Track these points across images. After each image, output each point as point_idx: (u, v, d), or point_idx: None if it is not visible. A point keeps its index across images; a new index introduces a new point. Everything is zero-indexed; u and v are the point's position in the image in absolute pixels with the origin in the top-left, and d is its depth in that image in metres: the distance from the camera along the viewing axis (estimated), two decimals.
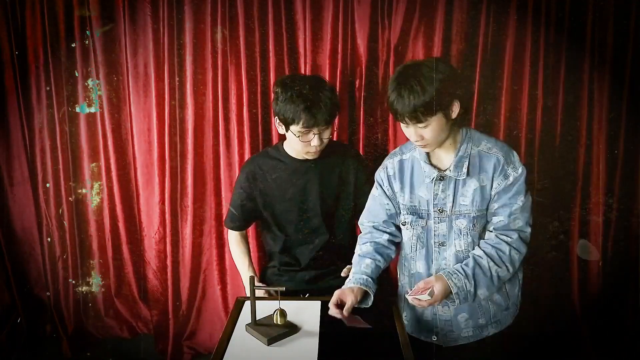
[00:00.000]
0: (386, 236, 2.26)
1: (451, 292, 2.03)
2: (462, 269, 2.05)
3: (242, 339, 2.00)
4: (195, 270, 3.35)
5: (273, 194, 2.45)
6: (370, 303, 2.12)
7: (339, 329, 2.02)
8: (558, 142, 2.99)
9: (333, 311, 2.06)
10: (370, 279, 2.16)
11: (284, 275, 2.54)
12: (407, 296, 2.07)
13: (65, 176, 3.27)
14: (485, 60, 2.90)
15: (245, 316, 2.14)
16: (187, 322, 3.43)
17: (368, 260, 2.21)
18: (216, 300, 3.38)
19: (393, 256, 2.28)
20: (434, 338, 2.26)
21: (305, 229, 2.47)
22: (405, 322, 2.28)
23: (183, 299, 3.40)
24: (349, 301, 2.07)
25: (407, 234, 2.23)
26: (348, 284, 2.16)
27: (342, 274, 2.37)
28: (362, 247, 2.26)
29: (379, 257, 2.22)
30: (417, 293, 2.04)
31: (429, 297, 2.00)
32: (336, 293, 2.11)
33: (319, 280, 2.52)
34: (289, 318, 2.04)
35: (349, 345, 1.94)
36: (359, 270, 2.19)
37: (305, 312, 2.15)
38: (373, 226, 2.28)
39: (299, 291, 2.49)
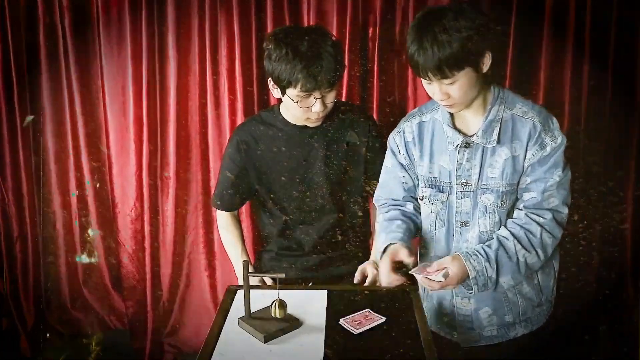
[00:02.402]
0: (410, 205, 2.26)
1: (468, 277, 2.03)
2: (484, 250, 2.04)
3: (234, 336, 1.98)
4: (178, 254, 3.37)
5: (269, 166, 2.43)
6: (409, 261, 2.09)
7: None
8: (609, 108, 2.96)
9: (393, 279, 2.03)
10: (404, 236, 2.13)
11: (283, 261, 2.55)
12: (413, 272, 2.06)
13: (25, 143, 3.25)
14: (521, 4, 2.85)
15: (237, 308, 2.11)
16: (169, 315, 3.47)
17: (398, 222, 2.20)
18: (203, 290, 3.41)
19: (421, 226, 2.26)
20: (455, 335, 2.27)
21: (309, 208, 2.47)
22: (429, 319, 2.28)
23: (164, 288, 3.43)
24: (409, 258, 2.03)
25: (425, 211, 2.23)
26: (382, 245, 2.13)
27: (355, 281, 2.33)
28: (387, 214, 2.25)
29: (408, 221, 2.21)
30: (429, 273, 2.04)
31: (442, 279, 2.00)
32: (387, 256, 2.08)
33: (325, 267, 2.52)
34: (289, 311, 2.01)
35: (360, 343, 1.93)
36: (390, 232, 2.16)
37: (309, 304, 2.13)
38: (391, 198, 2.30)
39: (302, 279, 2.49)
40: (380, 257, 2.12)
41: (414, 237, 2.24)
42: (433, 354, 1.85)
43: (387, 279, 2.05)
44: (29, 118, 3.12)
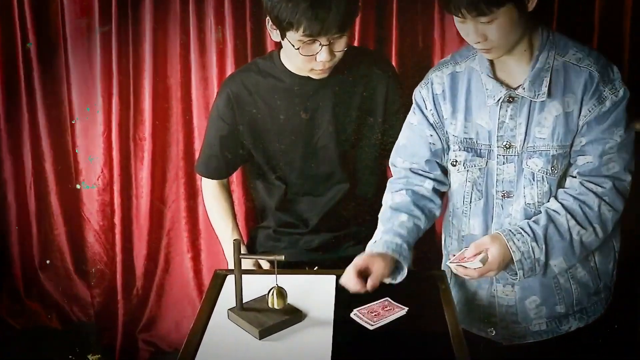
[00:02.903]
0: (429, 183, 2.27)
1: (512, 260, 2.04)
2: (530, 227, 2.06)
3: (223, 331, 1.99)
4: (155, 232, 3.37)
5: (266, 125, 2.45)
6: (400, 278, 2.13)
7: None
8: None
9: (352, 282, 2.04)
10: (405, 244, 2.15)
11: (282, 240, 2.57)
12: (448, 263, 2.10)
13: None
14: None
15: (227, 298, 2.12)
16: (144, 306, 3.47)
17: (403, 217, 2.21)
18: (185, 275, 3.41)
19: (438, 214, 2.29)
20: (492, 332, 2.28)
21: (314, 176, 2.50)
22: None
23: (138, 272, 3.43)
24: (379, 270, 2.06)
25: (458, 179, 2.24)
26: (374, 247, 2.15)
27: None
28: (396, 195, 2.27)
29: (418, 213, 2.23)
30: (464, 260, 2.06)
31: (480, 265, 2.01)
32: (359, 258, 2.10)
33: (333, 248, 2.54)
34: (290, 300, 2.02)
35: (375, 340, 1.94)
36: (391, 229, 2.18)
37: (314, 292, 2.16)
38: (410, 169, 2.29)
39: (305, 262, 2.51)
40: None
41: (424, 228, 2.26)
42: (465, 354, 1.85)
43: (347, 281, 2.06)
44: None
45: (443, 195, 2.31)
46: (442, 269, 2.40)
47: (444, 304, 2.07)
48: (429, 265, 2.43)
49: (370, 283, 2.04)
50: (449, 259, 2.13)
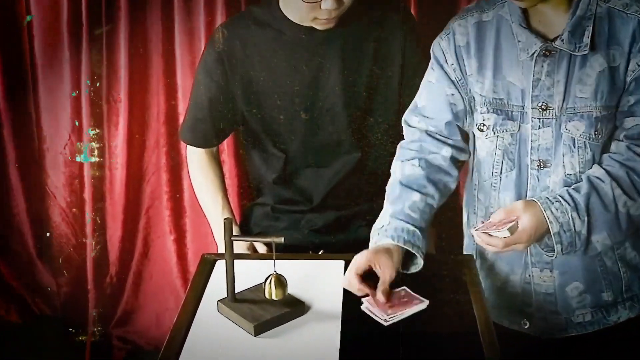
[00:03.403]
0: (447, 151, 2.28)
1: (547, 233, 2.05)
2: (570, 195, 2.08)
3: (212, 326, 1.99)
4: (132, 210, 3.38)
5: (263, 84, 2.46)
6: (416, 269, 2.14)
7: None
8: None
9: (354, 288, 2.05)
10: (418, 230, 2.14)
11: (282, 219, 2.59)
12: (472, 230, 2.12)
13: None
14: None
15: (216, 287, 2.13)
16: (119, 296, 3.48)
17: (415, 196, 2.20)
18: (167, 260, 3.43)
19: (453, 187, 2.30)
20: (526, 325, 2.29)
21: (319, 144, 2.51)
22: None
23: (111, 257, 3.43)
24: (387, 273, 2.06)
25: (486, 147, 2.25)
26: (381, 237, 2.14)
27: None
28: (406, 166, 2.27)
29: (431, 190, 2.23)
30: (491, 227, 2.06)
31: (508, 235, 2.02)
32: (361, 257, 2.09)
33: (342, 228, 2.56)
34: (290, 290, 2.02)
35: (390, 336, 1.93)
36: (401, 211, 2.18)
37: (319, 280, 2.16)
38: (427, 131, 2.30)
39: (308, 245, 2.53)
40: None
41: (438, 206, 2.26)
42: (496, 352, 1.85)
43: (349, 287, 2.07)
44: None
45: (461, 166, 2.32)
46: (465, 252, 2.42)
47: (471, 294, 2.08)
48: (453, 249, 2.42)
49: (380, 289, 2.04)
50: (475, 228, 2.13)
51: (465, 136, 2.30)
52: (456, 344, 1.91)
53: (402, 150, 2.32)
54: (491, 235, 2.05)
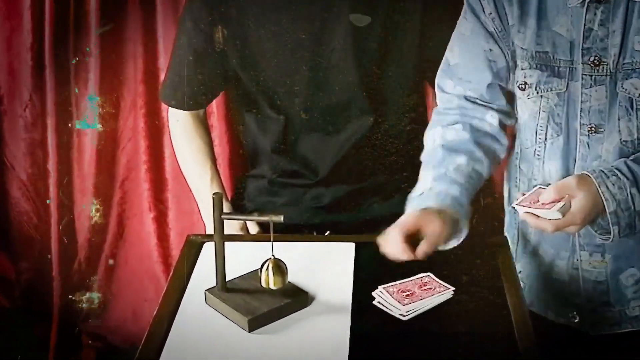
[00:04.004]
0: (492, 116, 2.28)
1: (604, 211, 2.04)
2: (629, 167, 2.08)
3: (199, 320, 1.98)
4: (104, 183, 3.38)
5: (259, 34, 2.48)
6: (456, 242, 2.12)
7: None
8: None
9: (398, 249, 2.01)
10: (464, 197, 2.13)
11: (281, 194, 2.62)
12: (515, 204, 2.11)
13: None
14: None
15: (204, 274, 2.13)
16: (89, 285, 3.50)
17: (461, 159, 2.20)
18: (146, 242, 3.44)
19: (503, 157, 2.31)
20: (575, 318, 2.31)
21: (325, 105, 2.52)
22: (522, 284, 2.29)
23: (80, 239, 3.45)
24: (432, 232, 2.03)
25: (528, 109, 2.25)
26: (423, 200, 2.13)
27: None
28: (448, 131, 2.27)
29: (480, 155, 2.23)
30: (538, 205, 2.05)
31: (559, 216, 2.02)
32: (409, 217, 2.07)
33: (352, 205, 2.58)
34: (291, 278, 2.00)
35: (409, 331, 1.93)
36: (444, 175, 2.17)
37: (325, 266, 2.17)
38: (465, 96, 2.29)
39: (313, 225, 2.56)
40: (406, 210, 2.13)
41: (487, 175, 2.26)
42: (533, 350, 1.83)
43: (392, 248, 2.02)
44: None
45: (509, 133, 2.33)
46: (505, 233, 2.42)
47: (504, 280, 2.08)
48: (485, 229, 2.41)
49: (423, 249, 2.01)
50: (517, 201, 2.12)
51: (510, 97, 2.29)
52: (486, 339, 1.90)
53: (440, 116, 2.31)
54: (539, 217, 2.04)
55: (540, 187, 2.10)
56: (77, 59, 3.25)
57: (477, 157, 2.21)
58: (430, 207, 2.08)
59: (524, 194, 2.13)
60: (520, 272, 2.34)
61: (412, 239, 2.02)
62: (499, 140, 2.27)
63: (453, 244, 2.11)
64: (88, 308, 3.52)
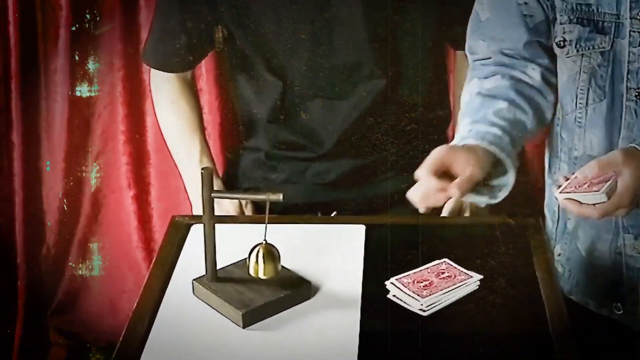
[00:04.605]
0: (534, 68, 2.28)
1: None
2: None
3: (185, 314, 1.98)
4: (76, 154, 3.39)
5: None
6: (504, 193, 2.09)
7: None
8: None
9: (429, 185, 2.00)
10: (507, 137, 2.12)
11: (280, 169, 2.64)
12: (557, 193, 2.09)
13: None
14: None
15: (191, 261, 2.13)
16: (59, 274, 3.51)
17: (502, 104, 2.19)
18: (124, 224, 3.46)
19: (549, 116, 2.32)
20: (619, 310, 2.31)
21: (330, 67, 2.54)
22: (559, 268, 2.34)
23: (49, 220, 3.47)
24: (468, 170, 2.00)
25: (568, 69, 2.27)
26: (457, 143, 2.13)
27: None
28: (486, 82, 2.28)
29: (522, 103, 2.22)
30: (580, 187, 2.05)
31: (605, 199, 2.00)
32: (439, 152, 2.04)
33: (361, 182, 2.61)
34: (290, 265, 2.02)
35: (428, 325, 1.92)
36: (483, 118, 2.16)
37: (331, 253, 2.17)
38: (502, 52, 2.31)
39: (316, 205, 2.58)
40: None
41: (534, 131, 2.25)
42: (570, 344, 1.83)
43: (423, 184, 2.00)
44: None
45: (556, 91, 2.33)
46: (545, 210, 2.43)
47: (536, 266, 2.08)
48: (514, 210, 2.41)
49: (458, 185, 1.98)
50: (558, 189, 2.11)
51: (554, 55, 2.30)
52: (515, 337, 1.89)
53: (475, 71, 2.33)
54: (582, 203, 2.03)
55: (585, 169, 2.08)
56: (44, 12, 3.27)
57: (520, 105, 2.21)
58: (471, 143, 2.08)
59: (567, 179, 2.10)
60: (559, 255, 2.38)
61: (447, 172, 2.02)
62: (543, 94, 2.28)
63: (500, 195, 2.10)
64: (58, 300, 3.53)
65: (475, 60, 2.35)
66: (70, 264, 3.51)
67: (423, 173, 1.99)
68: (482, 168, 2.01)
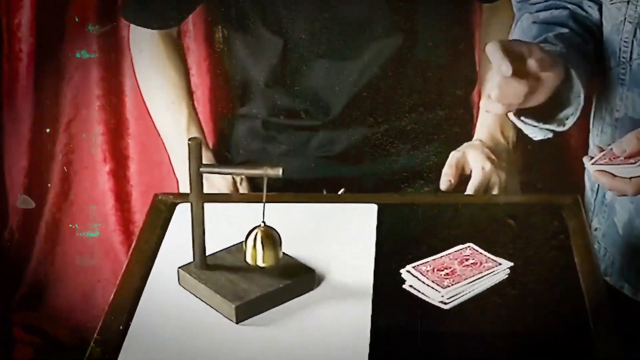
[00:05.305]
0: (591, 6, 2.33)
1: None
2: None
3: (170, 307, 1.97)
4: (43, 124, 3.41)
5: None
6: (577, 102, 2.11)
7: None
8: None
9: (510, 70, 2.00)
10: (571, 56, 2.14)
11: (279, 140, 2.67)
12: (588, 164, 2.11)
13: None
14: None
15: (177, 246, 2.14)
16: (24, 261, 3.54)
17: (562, 29, 2.25)
18: (100, 203, 3.47)
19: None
20: None
21: (337, 24, 2.56)
22: (594, 245, 2.33)
23: (12, 200, 3.48)
24: (536, 51, 2.04)
25: (611, 18, 2.28)
26: None
27: (443, 185, 2.40)
28: (541, 13, 2.33)
29: (586, 34, 2.28)
30: (614, 159, 2.06)
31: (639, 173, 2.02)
32: (517, 43, 2.08)
33: (373, 154, 2.62)
34: (292, 252, 2.02)
35: (451, 319, 1.92)
36: (543, 42, 2.19)
37: (338, 236, 2.17)
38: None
39: (321, 180, 2.60)
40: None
41: (589, 80, 2.24)
42: (613, 342, 1.84)
43: (499, 73, 2.00)
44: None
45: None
46: (585, 177, 2.46)
47: (575, 256, 2.07)
48: (549, 186, 2.41)
49: (538, 62, 2.01)
50: (591, 160, 2.12)
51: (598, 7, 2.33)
52: (550, 333, 1.89)
53: (524, 9, 2.37)
54: (615, 176, 2.04)
55: (622, 142, 2.09)
56: None
57: (581, 34, 2.26)
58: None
59: (602, 149, 2.12)
60: (595, 229, 2.42)
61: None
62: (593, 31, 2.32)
63: (567, 122, 2.14)
64: (23, 292, 3.56)
65: (521, 1, 2.39)
66: (36, 249, 3.53)
67: (498, 54, 1.99)
68: (558, 73, 2.05)
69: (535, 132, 2.16)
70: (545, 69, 2.03)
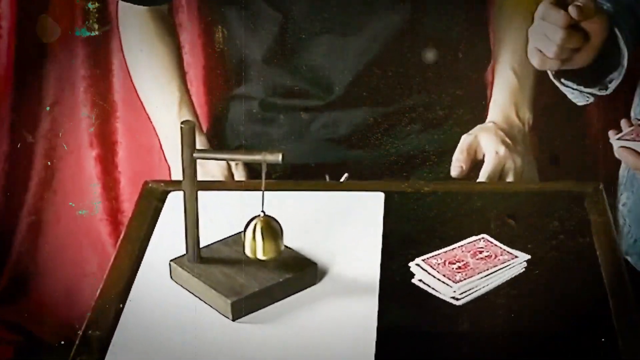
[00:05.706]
0: None
1: None
2: None
3: (161, 303, 1.99)
4: (23, 104, 3.41)
5: None
6: (620, 66, 2.13)
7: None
8: None
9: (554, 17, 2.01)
10: (617, 17, 2.14)
11: (278, 122, 2.67)
12: (613, 139, 2.14)
13: None
14: None
15: (168, 238, 2.16)
16: (3, 255, 3.55)
17: None
18: (85, 191, 3.48)
19: None
20: None
21: None
22: (620, 221, 2.43)
23: None
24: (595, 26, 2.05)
25: None
26: None
27: (454, 171, 2.41)
28: None
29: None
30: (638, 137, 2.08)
31: None
32: None
33: (379, 137, 2.61)
34: (292, 244, 2.03)
35: (462, 316, 1.93)
36: None
37: (341, 227, 2.19)
38: None
39: (323, 165, 2.61)
40: None
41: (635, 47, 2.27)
42: (629, 301, 1.90)
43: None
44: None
45: None
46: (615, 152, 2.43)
47: (597, 249, 2.08)
48: (569, 173, 2.43)
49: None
50: (616, 134, 2.14)
51: None
52: (570, 331, 1.90)
53: None
54: (638, 152, 2.06)
55: None
56: None
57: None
58: None
59: (631, 124, 2.13)
60: (623, 204, 2.46)
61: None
62: None
63: (610, 85, 2.15)
64: (3, 286, 3.57)
65: None
66: (16, 241, 3.55)
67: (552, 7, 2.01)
68: (602, 26, 2.05)
69: (577, 95, 2.17)
70: (589, 16, 2.01)
